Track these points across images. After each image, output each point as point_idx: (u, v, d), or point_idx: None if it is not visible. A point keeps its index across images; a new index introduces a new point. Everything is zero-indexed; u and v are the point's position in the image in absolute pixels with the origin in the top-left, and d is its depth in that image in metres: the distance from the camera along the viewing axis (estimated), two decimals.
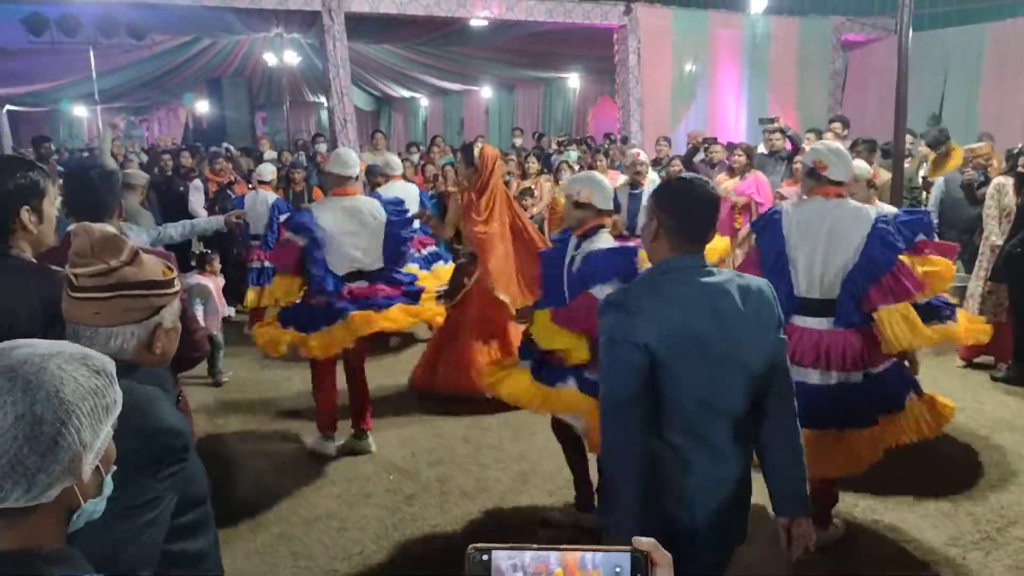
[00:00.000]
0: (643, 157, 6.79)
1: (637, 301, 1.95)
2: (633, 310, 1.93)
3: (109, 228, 1.57)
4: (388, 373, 6.07)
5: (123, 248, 1.54)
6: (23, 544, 1.02)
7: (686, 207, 1.98)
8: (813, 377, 3.26)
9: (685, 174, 2.25)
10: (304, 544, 3.75)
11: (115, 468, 1.15)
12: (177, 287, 1.64)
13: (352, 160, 4.60)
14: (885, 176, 6.42)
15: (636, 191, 6.55)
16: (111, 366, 1.13)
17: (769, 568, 3.33)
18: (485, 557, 0.83)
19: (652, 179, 8.28)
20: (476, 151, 5.35)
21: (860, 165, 4.46)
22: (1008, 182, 5.87)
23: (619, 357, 1.92)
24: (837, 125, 8.30)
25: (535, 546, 0.83)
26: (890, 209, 4.49)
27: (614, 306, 1.98)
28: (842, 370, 3.26)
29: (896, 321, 3.27)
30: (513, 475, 4.35)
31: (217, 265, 6.15)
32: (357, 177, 4.76)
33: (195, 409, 5.47)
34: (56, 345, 1.09)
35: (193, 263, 6.30)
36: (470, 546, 0.84)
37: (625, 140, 10.30)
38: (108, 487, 1.14)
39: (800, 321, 3.33)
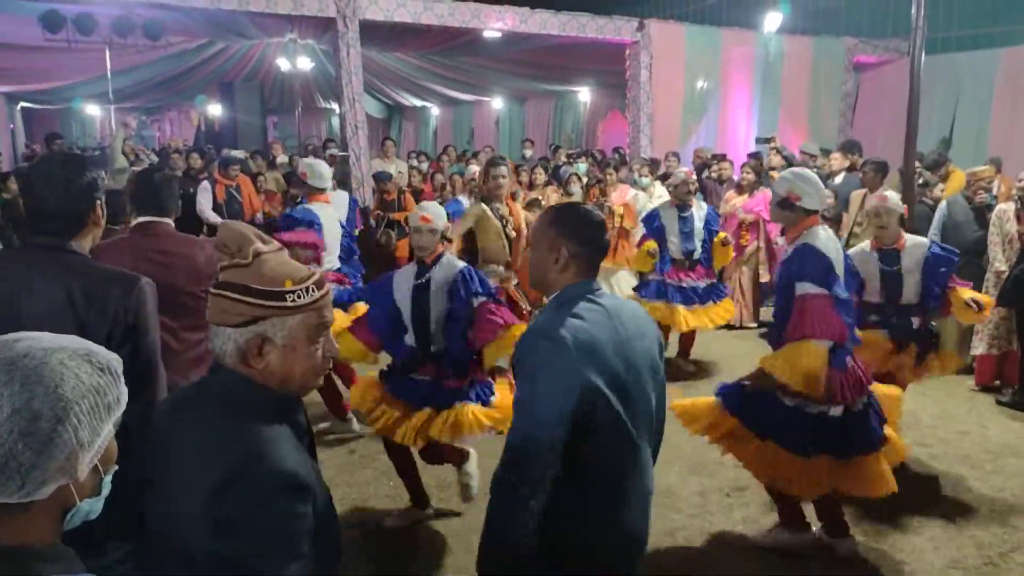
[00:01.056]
0: (694, 177, 6.39)
1: (568, 330, 1.87)
2: (569, 341, 1.85)
3: (245, 227, 1.47)
4: None
5: (244, 247, 1.43)
6: (15, 541, 1.00)
7: (593, 235, 2.02)
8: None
9: (572, 201, 2.27)
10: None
11: (116, 468, 1.13)
12: (299, 304, 1.42)
13: (327, 172, 5.26)
14: (896, 198, 6.42)
15: (685, 214, 6.18)
16: (117, 364, 1.11)
17: None
18: None
19: (659, 194, 8.32)
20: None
21: (893, 197, 4.49)
22: (1010, 208, 5.88)
23: (559, 393, 1.83)
24: (837, 156, 8.27)
25: None
26: (922, 240, 4.50)
27: (548, 338, 1.87)
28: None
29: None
30: None
31: None
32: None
33: None
34: (61, 339, 1.07)
35: None
36: None
37: (623, 161, 10.28)
38: (107, 488, 1.11)
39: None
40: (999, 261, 5.78)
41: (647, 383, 2.00)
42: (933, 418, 5.40)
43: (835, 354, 3.26)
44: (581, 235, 2.00)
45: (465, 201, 7.08)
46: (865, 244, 4.58)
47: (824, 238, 3.33)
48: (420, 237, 3.64)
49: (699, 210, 6.23)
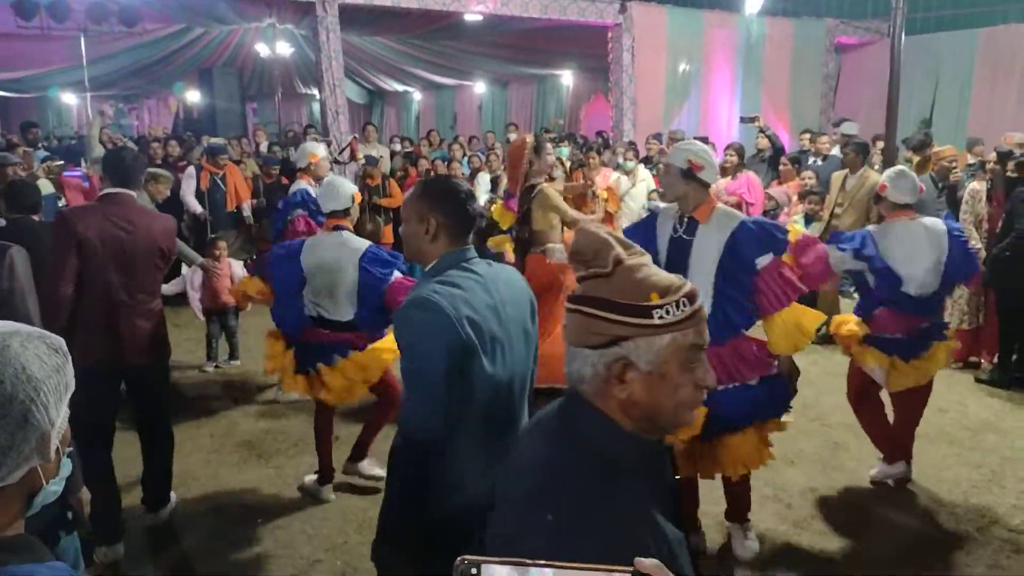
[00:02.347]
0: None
1: (442, 297, 1.90)
2: (440, 306, 1.88)
3: (603, 231, 1.27)
4: None
5: (603, 253, 1.22)
6: None
7: (459, 204, 2.07)
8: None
9: (439, 175, 2.30)
10: (288, 534, 3.74)
11: (71, 448, 1.12)
12: (667, 321, 1.17)
13: (347, 191, 4.09)
14: (875, 177, 6.46)
15: None
16: (63, 344, 1.10)
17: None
18: (475, 570, 0.79)
19: (643, 177, 8.33)
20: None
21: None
22: (981, 188, 5.97)
23: (433, 356, 1.87)
24: (826, 138, 8.32)
25: (529, 561, 0.80)
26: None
27: (418, 306, 1.91)
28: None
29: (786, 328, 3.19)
30: None
31: (221, 249, 6.09)
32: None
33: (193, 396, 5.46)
34: (9, 324, 1.06)
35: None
36: (459, 558, 0.80)
37: (607, 144, 10.26)
38: (67, 467, 1.10)
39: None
40: (973, 239, 5.85)
41: (521, 346, 2.06)
42: None
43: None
44: (448, 205, 2.06)
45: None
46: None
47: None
48: None
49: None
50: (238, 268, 6.02)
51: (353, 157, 8.61)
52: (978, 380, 5.76)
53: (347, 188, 4.08)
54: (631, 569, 0.81)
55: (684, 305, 1.19)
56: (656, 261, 2.89)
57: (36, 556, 1.01)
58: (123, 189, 3.45)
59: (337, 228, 3.96)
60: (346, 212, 4.01)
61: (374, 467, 4.17)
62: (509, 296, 2.05)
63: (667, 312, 1.17)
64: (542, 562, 0.80)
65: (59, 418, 1.05)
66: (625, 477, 1.18)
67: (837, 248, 3.85)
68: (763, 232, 3.16)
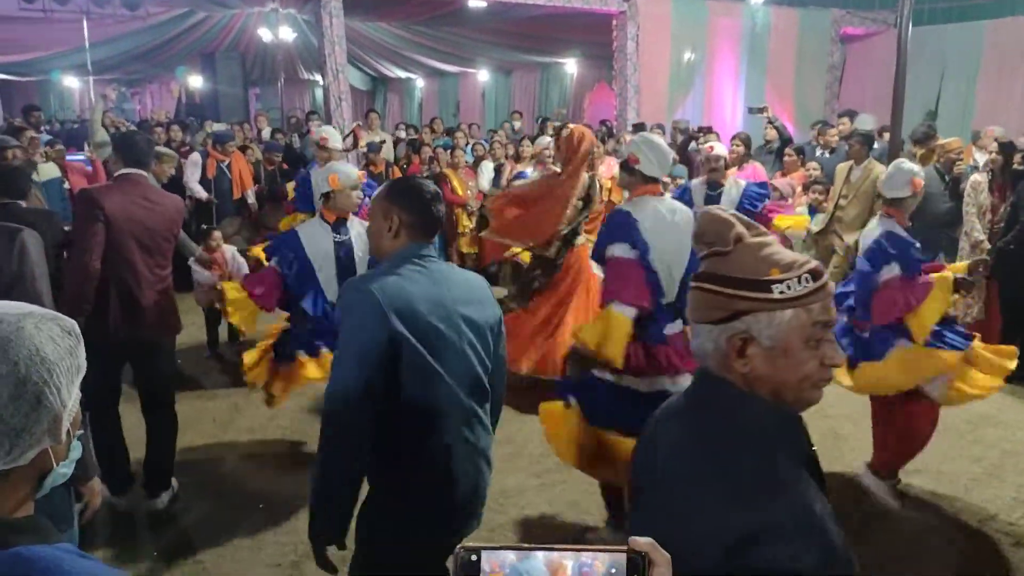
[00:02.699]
0: (719, 151, 5.57)
1: (377, 284, 1.99)
2: (371, 292, 1.96)
3: (725, 213, 1.28)
4: None
5: (724, 233, 1.25)
6: None
7: (425, 205, 2.13)
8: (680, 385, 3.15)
9: (409, 175, 2.35)
10: (288, 522, 3.75)
11: (81, 432, 1.13)
12: (788, 296, 1.18)
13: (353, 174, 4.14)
14: (879, 168, 6.43)
15: (714, 192, 5.44)
16: (76, 327, 1.11)
17: None
18: (474, 557, 0.80)
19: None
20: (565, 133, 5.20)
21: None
22: (983, 179, 5.95)
23: (365, 346, 1.94)
24: (846, 119, 8.28)
25: (526, 546, 0.81)
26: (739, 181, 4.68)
27: (354, 289, 2.01)
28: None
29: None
30: (500, 456, 4.30)
31: (216, 240, 6.03)
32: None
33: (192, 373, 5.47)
34: (23, 305, 1.07)
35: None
36: (459, 546, 0.81)
37: (611, 133, 10.21)
38: (76, 450, 1.11)
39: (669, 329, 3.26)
40: (977, 231, 5.83)
41: (468, 344, 2.10)
42: None
43: (645, 325, 3.19)
44: (413, 205, 2.12)
45: (531, 171, 7.14)
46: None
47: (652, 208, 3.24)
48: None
49: (735, 188, 5.50)
50: (238, 257, 5.96)
51: (356, 144, 8.59)
52: None
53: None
54: (627, 548, 0.82)
55: (807, 281, 1.19)
56: None
57: (45, 537, 1.01)
58: (136, 170, 3.62)
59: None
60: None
61: None
62: (464, 295, 2.12)
63: (788, 287, 1.18)
64: (540, 546, 0.81)
65: (71, 400, 1.06)
66: (776, 444, 1.19)
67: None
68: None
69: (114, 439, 3.80)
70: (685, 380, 3.08)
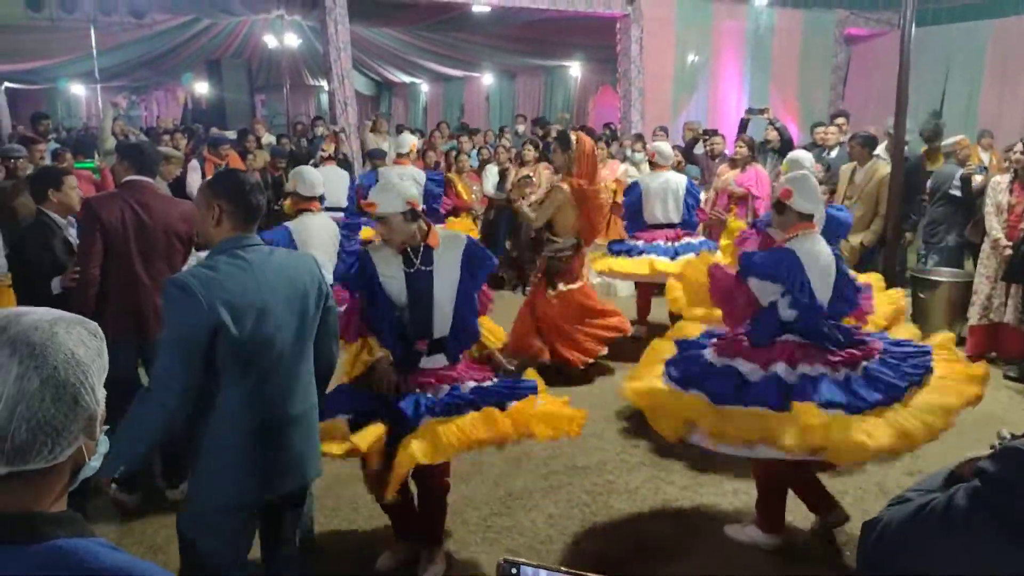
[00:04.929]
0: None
1: (197, 280, 2.19)
2: (192, 288, 2.16)
3: None
4: None
5: None
6: (25, 507, 1.05)
7: (243, 193, 2.34)
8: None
9: (230, 169, 2.53)
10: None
11: (107, 427, 1.20)
12: None
13: (316, 180, 4.80)
14: (884, 170, 6.44)
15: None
16: (100, 330, 1.18)
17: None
18: (515, 571, 0.83)
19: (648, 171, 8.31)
20: (573, 138, 5.47)
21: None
22: (1004, 180, 5.90)
23: (181, 331, 2.17)
24: (842, 120, 8.31)
25: (564, 569, 0.84)
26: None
27: (176, 286, 2.18)
28: None
29: None
30: (507, 458, 4.37)
31: None
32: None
33: None
34: (50, 312, 1.13)
35: None
36: (502, 558, 0.85)
37: (615, 135, 10.24)
38: (104, 444, 1.18)
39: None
40: (995, 230, 5.81)
41: (283, 324, 2.33)
42: None
43: None
44: (233, 194, 2.33)
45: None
46: None
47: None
48: None
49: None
50: None
51: (337, 151, 8.60)
52: (1007, 377, 5.69)
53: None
54: None
55: None
56: None
57: (80, 530, 1.07)
58: (142, 177, 3.76)
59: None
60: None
61: None
62: (279, 277, 2.33)
63: None
64: (581, 572, 0.84)
65: (102, 398, 1.13)
66: None
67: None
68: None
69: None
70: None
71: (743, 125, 8.65)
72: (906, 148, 6.42)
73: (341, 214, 6.57)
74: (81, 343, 1.10)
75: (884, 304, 4.60)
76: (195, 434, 2.33)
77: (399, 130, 11.47)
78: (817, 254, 3.30)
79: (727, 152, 8.39)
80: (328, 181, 6.36)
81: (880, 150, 6.75)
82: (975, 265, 6.19)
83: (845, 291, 3.42)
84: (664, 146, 6.80)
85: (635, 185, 6.70)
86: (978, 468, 1.25)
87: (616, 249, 6.59)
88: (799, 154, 6.26)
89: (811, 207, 3.33)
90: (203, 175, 7.96)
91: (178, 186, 7.73)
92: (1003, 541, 1.17)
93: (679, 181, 6.56)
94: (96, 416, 1.11)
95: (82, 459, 1.12)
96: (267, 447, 2.35)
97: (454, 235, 3.37)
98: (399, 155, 7.67)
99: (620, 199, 7.93)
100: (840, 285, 3.39)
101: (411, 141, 7.72)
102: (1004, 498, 1.18)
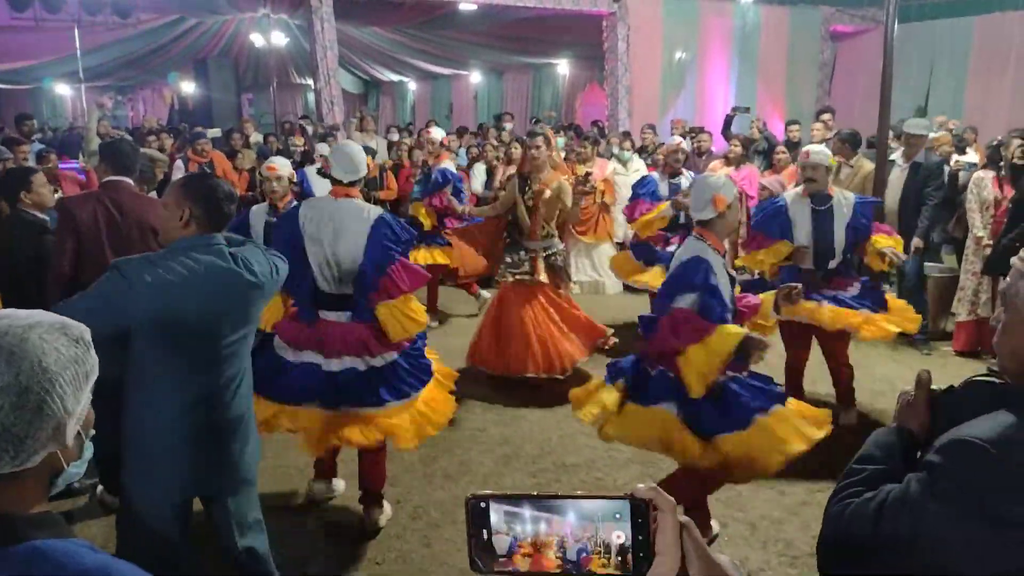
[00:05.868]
0: (685, 146, 6.43)
1: (134, 269, 2.26)
2: (131, 278, 2.23)
3: None
4: None
5: None
6: (5, 509, 1.05)
7: (216, 203, 2.40)
8: (332, 365, 3.41)
9: (204, 173, 2.59)
10: (285, 523, 3.77)
11: (93, 432, 1.18)
12: None
13: (360, 159, 3.67)
14: (868, 167, 6.48)
15: (675, 180, 6.18)
16: (88, 335, 1.16)
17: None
18: (483, 504, 0.83)
19: (637, 168, 8.32)
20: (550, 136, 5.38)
21: (819, 151, 4.63)
22: (988, 176, 5.95)
23: (105, 312, 2.20)
24: (827, 116, 8.35)
25: (532, 494, 0.83)
26: (848, 195, 4.60)
27: (117, 269, 2.27)
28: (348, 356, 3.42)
29: (395, 316, 3.37)
30: (496, 458, 4.38)
31: None
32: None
33: None
34: (34, 315, 1.11)
35: None
36: (468, 494, 0.84)
37: (602, 133, 10.24)
38: (88, 450, 1.17)
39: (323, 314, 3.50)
40: (977, 228, 5.86)
41: (214, 332, 2.38)
42: (909, 384, 5.48)
43: None
44: (204, 200, 2.38)
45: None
46: (798, 190, 4.65)
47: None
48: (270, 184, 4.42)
49: (684, 178, 6.14)
50: None
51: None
52: (991, 371, 5.71)
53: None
54: (627, 495, 0.83)
55: None
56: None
57: (59, 532, 1.06)
58: (121, 177, 3.80)
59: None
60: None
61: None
62: (218, 285, 2.34)
63: None
64: (545, 494, 0.84)
65: (79, 406, 1.11)
66: None
67: None
68: None
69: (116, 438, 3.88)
70: None
71: (728, 123, 8.70)
72: (934, 153, 6.37)
73: None
74: (55, 350, 1.08)
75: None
76: (125, 432, 2.39)
77: (427, 125, 11.19)
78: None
79: (713, 149, 8.42)
80: (319, 180, 6.38)
81: (896, 156, 6.32)
82: (958, 261, 6.24)
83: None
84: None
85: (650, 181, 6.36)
86: (927, 461, 1.28)
87: (646, 257, 6.09)
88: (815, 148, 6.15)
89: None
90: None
91: (164, 186, 7.70)
92: (967, 527, 1.20)
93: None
94: (65, 424, 1.08)
95: (59, 465, 1.10)
96: (193, 448, 2.38)
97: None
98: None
99: (607, 199, 7.94)
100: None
101: (442, 134, 7.65)
102: (958, 489, 1.22)
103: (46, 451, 1.07)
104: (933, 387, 1.54)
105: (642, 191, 6.22)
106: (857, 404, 4.78)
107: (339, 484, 3.95)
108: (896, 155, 6.31)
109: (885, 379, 5.50)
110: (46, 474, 1.10)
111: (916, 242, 5.80)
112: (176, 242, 2.37)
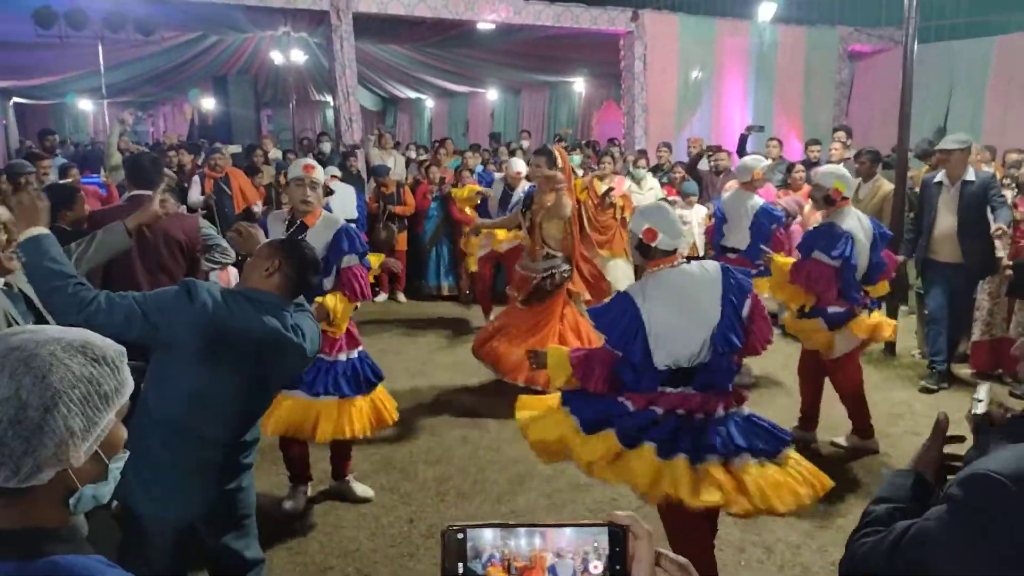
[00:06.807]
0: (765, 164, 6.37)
1: (211, 296, 2.35)
2: (199, 296, 2.31)
3: None
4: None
5: None
6: (24, 523, 1.04)
7: (305, 274, 2.50)
8: None
9: (304, 241, 2.81)
10: (300, 541, 3.77)
11: (126, 453, 1.15)
12: None
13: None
14: (888, 187, 6.44)
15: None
16: (115, 354, 1.13)
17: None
18: (460, 535, 0.82)
19: (651, 186, 8.32)
20: (556, 153, 5.36)
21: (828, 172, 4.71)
22: (1007, 196, 5.90)
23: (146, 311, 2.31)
24: (841, 134, 8.33)
25: (510, 523, 0.83)
26: (865, 222, 4.56)
27: (186, 288, 2.34)
28: None
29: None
30: (510, 477, 4.36)
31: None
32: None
33: None
34: (62, 332, 1.09)
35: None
36: (446, 525, 0.83)
37: (620, 152, 10.27)
38: (116, 472, 1.13)
39: None
40: (997, 248, 5.78)
41: (262, 386, 2.50)
42: (926, 406, 5.42)
43: None
44: (297, 263, 2.48)
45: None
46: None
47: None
48: (303, 191, 3.83)
49: (651, 193, 6.43)
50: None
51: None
52: (1012, 395, 5.61)
53: None
54: (606, 523, 0.84)
55: None
56: None
57: (78, 548, 1.05)
58: (144, 191, 3.83)
59: None
60: None
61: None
62: (268, 356, 2.41)
63: None
64: (523, 523, 0.83)
65: (96, 427, 1.08)
66: None
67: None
68: None
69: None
70: None
71: (743, 141, 8.68)
72: (979, 170, 6.15)
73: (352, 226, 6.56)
74: (64, 367, 1.05)
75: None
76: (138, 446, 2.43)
77: (511, 152, 10.92)
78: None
79: (732, 168, 8.41)
80: (336, 196, 6.42)
81: (940, 176, 5.73)
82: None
83: None
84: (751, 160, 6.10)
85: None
86: (946, 494, 1.26)
87: None
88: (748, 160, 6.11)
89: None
90: (203, 190, 7.96)
91: (182, 201, 7.77)
92: (983, 562, 1.18)
93: (755, 204, 5.80)
94: (67, 443, 1.04)
95: (72, 485, 1.07)
96: (197, 473, 2.43)
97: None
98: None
99: (627, 214, 7.92)
100: None
101: (523, 165, 7.08)
102: (977, 524, 1.20)
103: (52, 469, 1.04)
104: (976, 412, 1.57)
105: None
106: (874, 427, 4.72)
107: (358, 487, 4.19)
108: (939, 175, 5.75)
109: (904, 402, 5.44)
110: (59, 493, 1.07)
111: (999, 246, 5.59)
112: (254, 291, 2.44)
